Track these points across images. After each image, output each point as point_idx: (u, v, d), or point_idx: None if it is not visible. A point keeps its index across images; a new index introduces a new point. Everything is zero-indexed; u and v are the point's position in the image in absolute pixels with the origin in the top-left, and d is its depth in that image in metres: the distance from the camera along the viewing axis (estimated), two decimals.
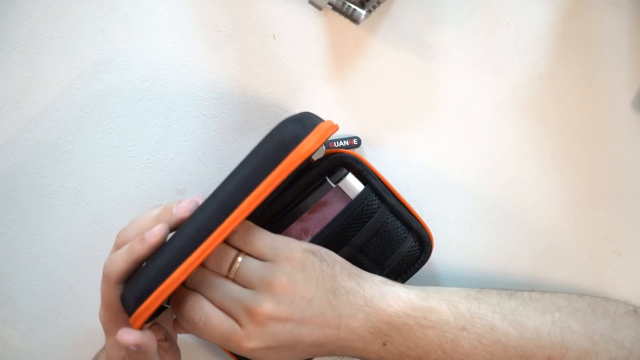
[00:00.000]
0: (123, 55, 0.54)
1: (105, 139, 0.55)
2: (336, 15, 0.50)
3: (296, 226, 0.51)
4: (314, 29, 0.53)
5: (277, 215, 0.52)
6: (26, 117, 0.55)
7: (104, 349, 0.51)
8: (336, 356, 0.46)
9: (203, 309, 0.44)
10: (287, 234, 0.51)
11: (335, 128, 0.45)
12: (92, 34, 0.54)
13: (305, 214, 0.51)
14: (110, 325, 0.46)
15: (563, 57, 0.52)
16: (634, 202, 0.53)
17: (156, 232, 0.44)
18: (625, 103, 0.52)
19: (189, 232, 0.43)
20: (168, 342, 0.49)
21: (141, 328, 0.44)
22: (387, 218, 0.51)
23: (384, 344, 0.46)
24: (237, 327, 0.44)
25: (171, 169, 0.56)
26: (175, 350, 0.50)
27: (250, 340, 0.44)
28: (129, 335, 0.43)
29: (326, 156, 0.52)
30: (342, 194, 0.51)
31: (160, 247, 0.43)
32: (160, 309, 0.47)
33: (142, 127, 0.55)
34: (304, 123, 0.43)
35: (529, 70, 0.52)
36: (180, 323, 0.46)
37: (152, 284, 0.42)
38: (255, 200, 0.42)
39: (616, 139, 0.52)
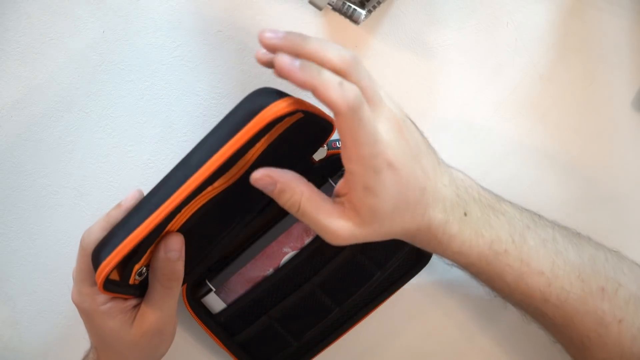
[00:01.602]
0: (123, 55, 0.54)
1: (105, 139, 0.55)
2: (336, 15, 0.50)
3: (298, 226, 0.51)
4: (314, 29, 0.53)
5: (278, 215, 0.52)
6: (26, 117, 0.55)
7: (91, 348, 0.51)
8: (421, 222, 0.44)
9: None
10: (288, 234, 0.51)
11: (313, 108, 0.44)
12: (92, 34, 0.54)
13: None
14: (89, 302, 0.45)
15: (563, 57, 0.52)
16: (634, 202, 0.53)
17: (131, 197, 0.44)
18: (625, 103, 0.52)
19: (156, 193, 0.43)
20: (130, 303, 0.48)
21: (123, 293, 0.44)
22: None
23: (465, 214, 0.45)
24: None
25: (171, 169, 0.56)
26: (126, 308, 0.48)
27: None
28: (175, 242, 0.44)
29: (328, 157, 0.51)
30: None
31: (130, 212, 0.44)
32: (135, 289, 0.47)
33: (142, 127, 0.55)
34: (279, 93, 0.42)
35: (529, 70, 0.52)
36: None
37: (118, 239, 0.42)
38: (219, 159, 0.40)
39: (616, 139, 0.52)
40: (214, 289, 0.53)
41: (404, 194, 0.42)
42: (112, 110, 0.55)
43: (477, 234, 0.45)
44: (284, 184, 0.42)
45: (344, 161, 0.41)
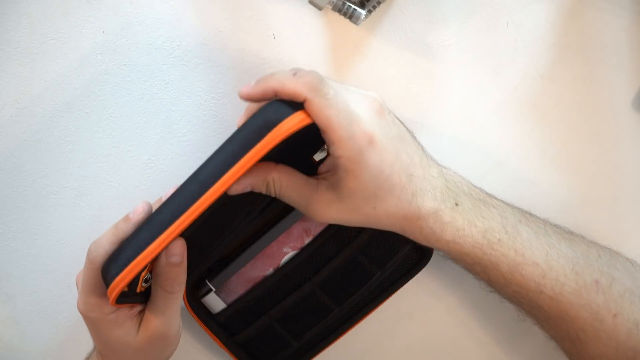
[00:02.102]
0: (123, 55, 0.54)
1: (105, 139, 0.55)
2: (336, 15, 0.50)
3: (298, 226, 0.51)
4: (314, 29, 0.53)
5: (278, 215, 0.52)
6: (26, 117, 0.55)
7: (94, 350, 0.51)
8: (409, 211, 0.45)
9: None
10: (289, 234, 0.51)
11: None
12: (92, 34, 0.54)
13: None
14: (96, 312, 0.45)
15: (563, 57, 0.52)
16: (634, 202, 0.53)
17: (140, 210, 0.43)
18: (625, 103, 0.52)
19: (167, 207, 0.42)
20: (136, 309, 0.48)
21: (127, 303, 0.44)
22: None
23: (456, 204, 0.46)
24: None
25: (171, 169, 0.56)
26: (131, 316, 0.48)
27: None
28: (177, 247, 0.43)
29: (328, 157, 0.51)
30: None
31: (140, 225, 0.43)
32: (142, 297, 0.47)
33: (143, 127, 0.55)
34: (292, 105, 0.42)
35: (529, 70, 0.52)
36: None
37: (130, 255, 0.41)
38: (232, 177, 0.41)
39: (616, 139, 0.52)
40: (214, 289, 0.53)
41: (388, 176, 0.43)
42: (112, 110, 0.55)
43: (470, 223, 0.46)
44: (254, 182, 0.45)
45: (328, 147, 0.43)
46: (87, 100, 0.55)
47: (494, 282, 0.47)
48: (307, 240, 0.51)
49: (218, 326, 0.53)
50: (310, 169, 0.52)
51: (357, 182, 0.43)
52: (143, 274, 0.44)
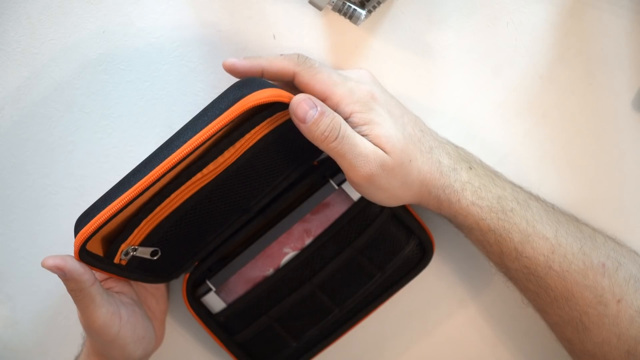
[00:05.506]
0: (123, 55, 0.54)
1: (105, 139, 0.56)
2: (336, 15, 0.50)
3: (298, 227, 0.51)
4: (314, 29, 0.53)
5: (279, 216, 0.52)
6: (26, 117, 0.55)
7: (81, 352, 0.53)
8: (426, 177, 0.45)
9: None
10: (289, 234, 0.51)
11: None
12: (92, 34, 0.54)
13: (307, 215, 0.51)
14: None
15: (563, 57, 0.52)
16: (634, 202, 0.53)
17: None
18: (625, 103, 0.52)
19: (139, 171, 0.44)
20: (130, 300, 0.49)
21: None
22: (389, 221, 0.51)
23: (470, 168, 0.46)
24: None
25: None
26: (136, 314, 0.49)
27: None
28: (49, 259, 0.42)
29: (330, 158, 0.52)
30: (345, 195, 0.51)
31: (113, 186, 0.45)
32: (119, 270, 0.47)
33: (143, 127, 0.55)
34: (266, 84, 0.43)
35: (529, 70, 0.52)
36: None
37: (96, 212, 0.43)
38: (196, 140, 0.41)
39: (616, 139, 0.52)
40: (213, 289, 0.53)
41: (402, 124, 0.45)
42: (112, 110, 0.55)
43: (485, 187, 0.46)
44: (323, 107, 0.42)
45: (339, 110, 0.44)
46: (87, 100, 0.55)
47: (506, 255, 0.47)
48: (308, 241, 0.51)
49: (218, 326, 0.53)
50: (310, 170, 0.52)
51: (381, 127, 0.44)
52: (123, 245, 0.45)
